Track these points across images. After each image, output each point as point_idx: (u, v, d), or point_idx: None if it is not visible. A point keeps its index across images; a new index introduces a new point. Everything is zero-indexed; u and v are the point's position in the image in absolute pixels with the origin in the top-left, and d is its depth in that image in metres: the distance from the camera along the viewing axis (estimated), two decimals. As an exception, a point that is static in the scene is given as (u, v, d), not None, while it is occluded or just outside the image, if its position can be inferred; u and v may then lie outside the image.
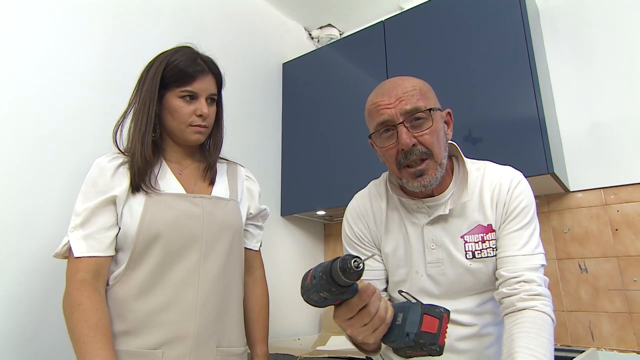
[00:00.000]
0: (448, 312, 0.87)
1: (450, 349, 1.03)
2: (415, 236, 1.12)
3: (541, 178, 1.69)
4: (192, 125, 1.20)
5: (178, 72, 1.18)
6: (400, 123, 1.04)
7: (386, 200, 1.19)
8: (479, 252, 1.07)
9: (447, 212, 1.09)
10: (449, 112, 1.14)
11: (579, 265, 1.84)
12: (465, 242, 1.08)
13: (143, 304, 1.07)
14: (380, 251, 1.19)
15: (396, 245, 1.15)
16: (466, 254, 1.08)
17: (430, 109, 1.05)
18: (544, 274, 1.04)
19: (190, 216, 1.14)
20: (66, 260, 1.09)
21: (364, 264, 0.76)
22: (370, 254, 1.15)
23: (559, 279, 1.87)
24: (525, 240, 1.04)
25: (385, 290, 1.20)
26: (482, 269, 1.07)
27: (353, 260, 0.75)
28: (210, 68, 1.24)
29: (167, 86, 1.19)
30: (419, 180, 1.05)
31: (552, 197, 1.95)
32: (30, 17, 1.48)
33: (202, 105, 1.20)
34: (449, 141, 1.14)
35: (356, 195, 1.27)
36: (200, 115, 1.20)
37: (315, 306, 0.84)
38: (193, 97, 1.19)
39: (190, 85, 1.18)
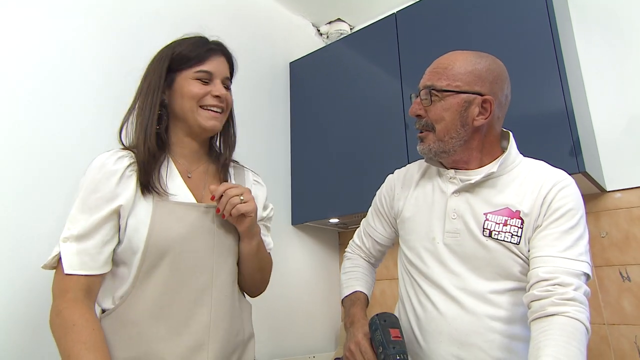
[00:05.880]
0: None
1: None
2: (440, 204, 1.15)
3: (572, 178, 1.55)
4: (206, 108, 1.11)
5: (189, 53, 1.11)
6: (418, 93, 1.15)
7: (424, 168, 1.24)
8: (497, 233, 1.05)
9: (473, 181, 1.10)
10: (485, 100, 1.10)
11: (620, 273, 1.71)
12: (487, 219, 1.07)
13: (153, 328, 1.00)
14: (395, 219, 1.27)
15: (417, 211, 1.19)
16: (483, 230, 1.07)
17: (441, 90, 1.10)
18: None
19: (202, 230, 1.07)
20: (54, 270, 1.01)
21: None
22: None
23: (598, 289, 1.74)
24: (569, 244, 0.99)
25: (382, 251, 1.34)
26: (497, 249, 1.05)
27: None
28: (222, 51, 1.18)
29: (178, 69, 1.11)
30: (419, 145, 1.15)
31: (586, 197, 1.78)
32: (26, 22, 1.48)
33: (218, 86, 1.12)
34: (504, 129, 1.18)
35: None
36: (217, 97, 1.12)
37: None
38: (208, 78, 1.12)
39: (204, 64, 1.11)
